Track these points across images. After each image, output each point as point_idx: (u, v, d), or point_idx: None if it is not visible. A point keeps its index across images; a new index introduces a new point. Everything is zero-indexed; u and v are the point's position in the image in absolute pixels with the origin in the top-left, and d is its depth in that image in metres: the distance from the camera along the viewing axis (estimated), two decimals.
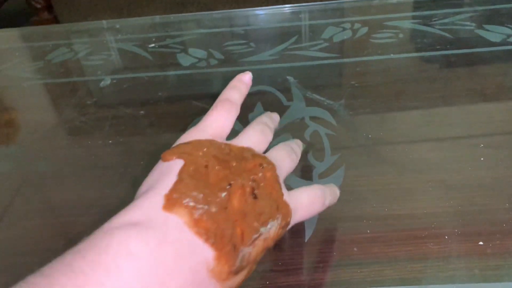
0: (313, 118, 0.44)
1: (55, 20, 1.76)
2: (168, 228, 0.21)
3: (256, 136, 0.30)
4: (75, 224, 0.36)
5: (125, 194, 0.38)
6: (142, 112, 0.48)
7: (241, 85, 0.33)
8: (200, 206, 0.22)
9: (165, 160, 0.25)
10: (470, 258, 0.30)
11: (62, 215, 0.37)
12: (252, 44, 0.60)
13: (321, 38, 0.60)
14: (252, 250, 0.24)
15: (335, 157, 0.39)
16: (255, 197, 0.25)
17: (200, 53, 0.59)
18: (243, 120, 0.43)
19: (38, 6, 1.78)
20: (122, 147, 0.44)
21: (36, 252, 0.33)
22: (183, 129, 0.44)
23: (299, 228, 0.33)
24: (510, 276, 0.28)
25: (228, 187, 0.24)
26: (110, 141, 0.44)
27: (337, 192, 0.32)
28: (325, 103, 0.46)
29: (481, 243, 0.31)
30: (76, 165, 0.42)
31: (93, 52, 0.63)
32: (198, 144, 0.26)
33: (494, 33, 0.57)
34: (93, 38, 0.67)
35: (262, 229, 0.24)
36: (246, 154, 0.27)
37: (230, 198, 0.24)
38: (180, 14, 0.72)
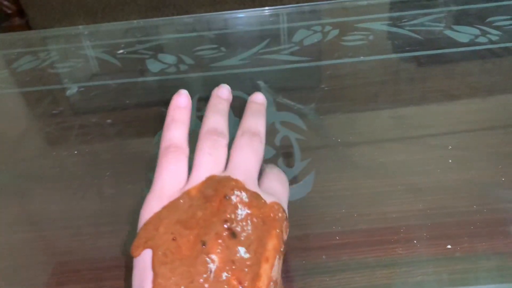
0: (283, 123, 0.44)
1: (27, 26, 1.72)
2: None
3: (208, 159, 0.28)
4: (38, 239, 0.35)
5: (91, 207, 0.37)
6: (109, 120, 0.47)
7: (180, 114, 0.30)
8: (185, 286, 0.22)
9: (135, 256, 0.25)
10: (438, 262, 0.30)
11: (24, 230, 0.36)
12: (222, 48, 0.59)
13: (291, 41, 0.60)
14: (264, 279, 0.23)
15: (305, 162, 0.39)
16: (234, 235, 0.24)
17: (170, 58, 0.58)
18: None
19: (9, 11, 1.73)
20: (88, 157, 0.42)
21: None
22: (152, 136, 0.44)
23: None
24: (478, 280, 0.28)
25: (204, 246, 0.23)
26: (75, 152, 0.43)
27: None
28: (296, 108, 0.46)
29: (449, 246, 0.30)
30: (40, 177, 0.41)
31: (60, 59, 0.61)
32: (156, 220, 0.25)
33: (463, 34, 0.58)
34: (60, 45, 0.66)
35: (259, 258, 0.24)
36: (207, 191, 0.26)
37: (210, 257, 0.23)
38: (150, 19, 0.71)
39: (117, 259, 0.32)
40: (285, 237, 0.26)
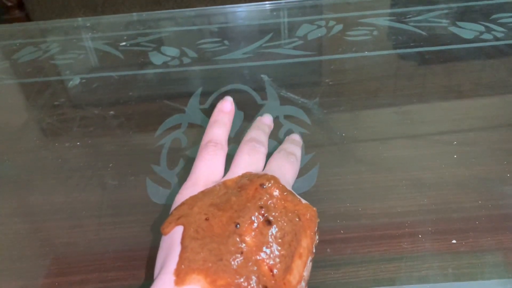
0: (287, 117, 0.44)
1: (27, 18, 1.71)
2: None
3: (247, 158, 0.29)
4: (40, 230, 0.34)
5: (93, 198, 0.36)
6: (111, 112, 0.47)
7: (223, 117, 0.32)
8: (213, 263, 0.21)
9: (165, 233, 0.25)
10: (443, 256, 0.29)
11: (27, 221, 0.35)
12: (226, 42, 0.59)
13: (295, 36, 0.59)
14: (295, 274, 0.23)
15: (309, 156, 0.39)
16: (269, 223, 0.24)
17: (173, 51, 0.58)
18: None
19: (9, 4, 1.73)
20: (90, 149, 0.42)
21: None
22: (154, 129, 0.43)
23: None
24: (483, 275, 0.28)
25: (237, 227, 0.23)
26: (78, 143, 0.43)
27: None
28: (300, 102, 0.46)
29: (454, 241, 0.30)
30: (42, 168, 0.40)
31: (62, 51, 0.61)
32: (191, 201, 0.26)
33: (467, 30, 0.58)
34: (62, 37, 0.65)
35: (292, 250, 0.23)
36: (243, 181, 0.26)
37: (243, 239, 0.23)
38: (153, 12, 0.70)
39: (120, 250, 0.32)
40: (316, 242, 0.26)
